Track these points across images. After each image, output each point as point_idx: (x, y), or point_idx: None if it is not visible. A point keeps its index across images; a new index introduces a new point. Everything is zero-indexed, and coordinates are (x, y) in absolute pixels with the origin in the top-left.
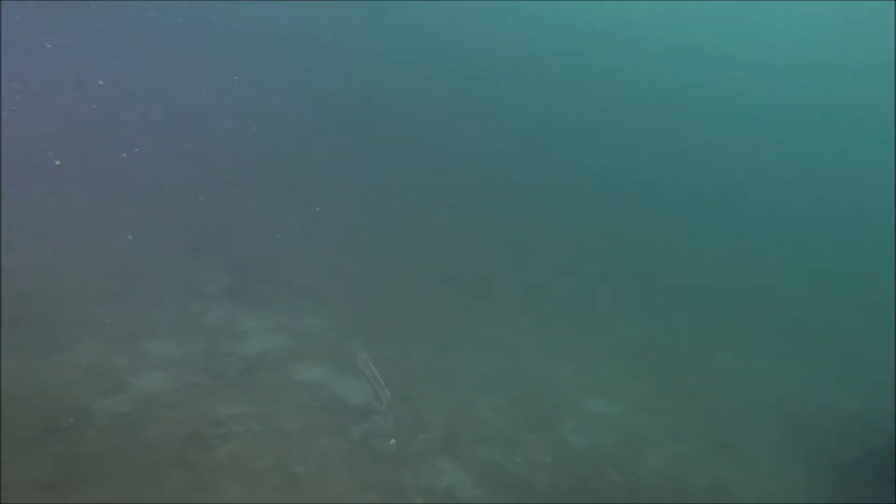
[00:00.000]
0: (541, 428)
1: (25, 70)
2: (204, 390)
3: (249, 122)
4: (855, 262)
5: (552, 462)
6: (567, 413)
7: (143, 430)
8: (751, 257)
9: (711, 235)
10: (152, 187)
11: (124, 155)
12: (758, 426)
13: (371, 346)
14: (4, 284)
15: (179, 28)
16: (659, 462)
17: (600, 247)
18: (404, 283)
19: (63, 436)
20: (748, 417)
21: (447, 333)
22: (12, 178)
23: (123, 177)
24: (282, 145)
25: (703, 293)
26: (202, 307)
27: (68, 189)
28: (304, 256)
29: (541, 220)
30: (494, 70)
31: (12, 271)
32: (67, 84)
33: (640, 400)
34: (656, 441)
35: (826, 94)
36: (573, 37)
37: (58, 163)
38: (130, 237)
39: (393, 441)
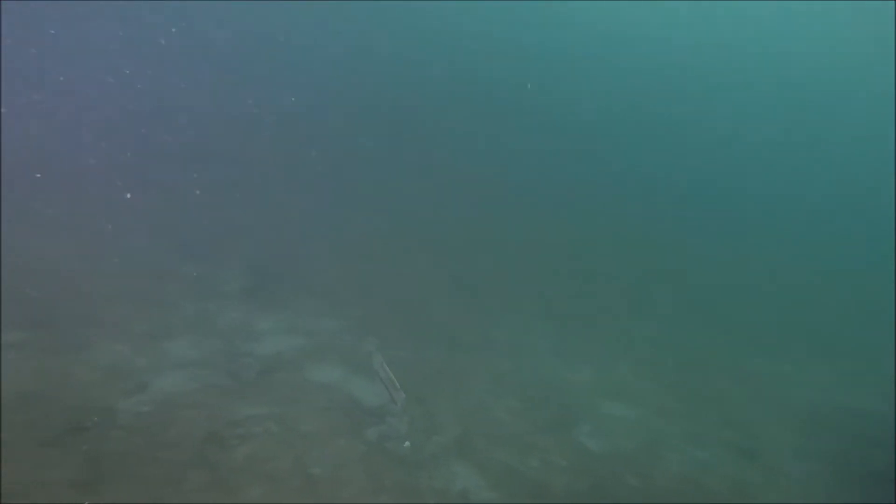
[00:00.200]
0: (556, 431)
1: (43, 68)
2: (222, 390)
3: (267, 125)
4: (881, 261)
5: (568, 466)
6: (583, 416)
7: (163, 429)
8: (770, 257)
9: (729, 236)
10: (168, 188)
11: (141, 156)
12: (781, 430)
13: (385, 348)
14: (28, 286)
15: (196, 29)
16: (679, 467)
17: (617, 248)
18: (419, 285)
19: (88, 435)
20: (770, 421)
21: (462, 335)
22: (32, 180)
23: (140, 178)
24: (298, 147)
25: (723, 294)
26: (219, 307)
27: (88, 190)
28: (319, 257)
29: (556, 221)
30: (509, 71)
31: (35, 273)
32: (84, 83)
33: (659, 403)
34: (675, 445)
35: (841, 91)
36: (589, 37)
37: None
38: (148, 239)
39: (407, 443)
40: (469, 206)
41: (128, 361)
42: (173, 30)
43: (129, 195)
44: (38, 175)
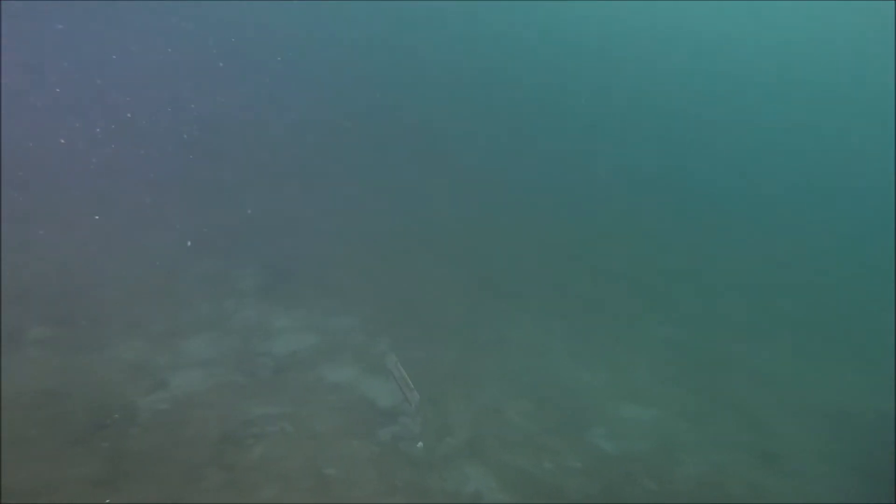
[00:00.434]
0: (571, 433)
1: (53, 65)
2: (238, 389)
3: (284, 122)
4: None
5: (582, 468)
6: (598, 418)
7: (181, 428)
8: (792, 257)
9: (749, 235)
10: (184, 187)
11: (157, 154)
12: (804, 433)
13: (399, 347)
14: (50, 284)
15: (212, 29)
16: (696, 470)
17: (632, 247)
18: (433, 284)
19: (109, 433)
20: (793, 424)
21: (475, 335)
22: (51, 178)
23: (157, 177)
24: (314, 145)
25: (744, 294)
26: (235, 305)
27: (105, 189)
28: (333, 256)
29: (571, 220)
30: (524, 69)
31: (54, 271)
32: (99, 80)
33: (676, 405)
34: (693, 448)
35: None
36: (602, 35)
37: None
38: (189, 243)
39: (420, 444)
40: (485, 204)
41: (146, 359)
42: (189, 27)
43: (145, 195)
44: (58, 173)
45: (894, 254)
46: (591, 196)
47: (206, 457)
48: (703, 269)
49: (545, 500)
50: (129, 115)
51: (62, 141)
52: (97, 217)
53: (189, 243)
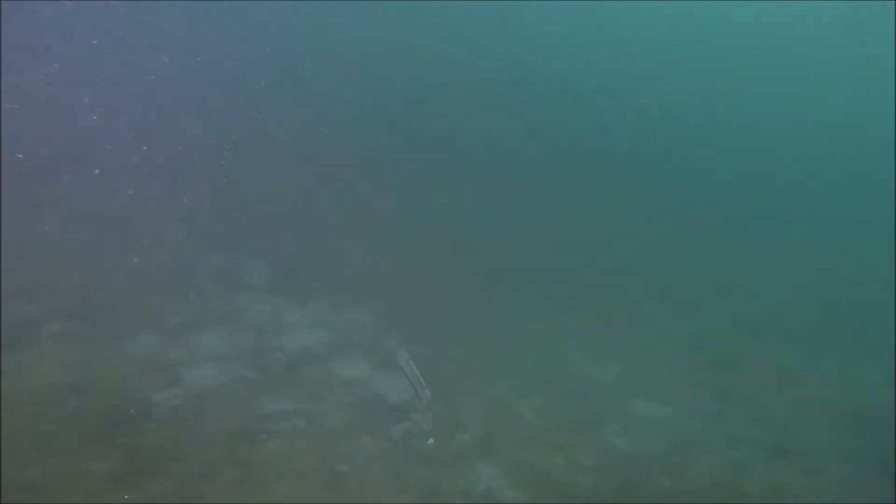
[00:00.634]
0: (583, 430)
1: (72, 61)
2: (250, 385)
3: (296, 118)
4: None
5: (595, 465)
6: (611, 415)
7: (195, 424)
8: (808, 252)
9: (764, 231)
10: (196, 182)
11: (171, 150)
12: (822, 430)
13: (410, 343)
14: (65, 278)
15: (222, 24)
16: (712, 468)
17: (646, 242)
18: (445, 280)
19: (125, 428)
20: (811, 421)
21: (487, 331)
22: (65, 176)
23: (168, 171)
24: (326, 141)
25: (758, 290)
26: (248, 300)
27: (116, 185)
28: (346, 251)
29: (583, 215)
30: (538, 65)
31: (69, 265)
32: (113, 77)
33: (691, 402)
34: (708, 445)
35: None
36: (617, 32)
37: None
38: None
39: (431, 440)
40: (497, 200)
41: (161, 354)
42: (202, 26)
43: (157, 190)
44: (70, 168)
45: None
46: (603, 192)
47: (221, 453)
48: (717, 265)
49: (558, 498)
50: (142, 111)
51: (70, 135)
52: (107, 210)
53: (184, 233)
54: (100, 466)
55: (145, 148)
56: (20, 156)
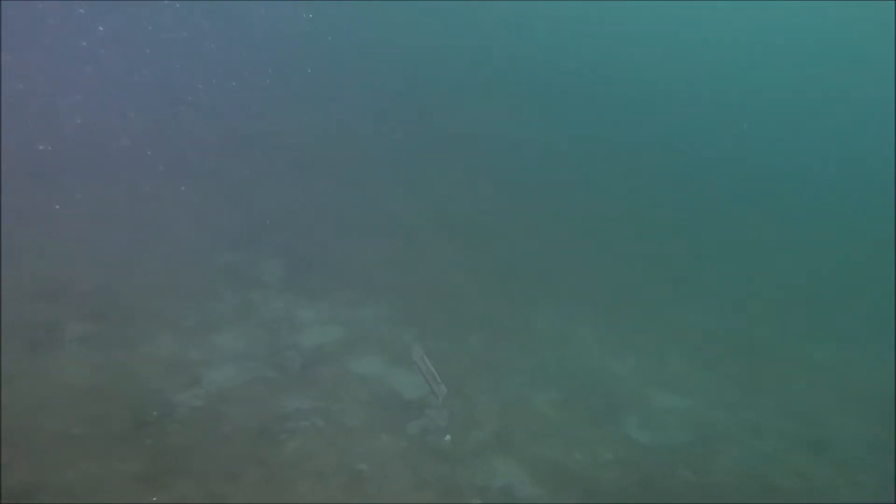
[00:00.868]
0: (603, 423)
1: (78, 59)
2: (268, 384)
3: (307, 114)
4: None
5: (615, 459)
6: (631, 408)
7: (217, 424)
8: (831, 239)
9: (784, 218)
10: (208, 180)
11: (182, 147)
12: (851, 420)
13: (425, 338)
14: (84, 280)
15: (231, 21)
16: (738, 461)
17: (660, 234)
18: (459, 274)
19: (150, 429)
20: (841, 413)
21: (502, 325)
22: (81, 176)
23: (180, 170)
24: (338, 136)
25: (779, 279)
26: (262, 297)
27: (128, 182)
28: (358, 247)
29: (599, 206)
30: (550, 60)
31: (84, 266)
32: (122, 73)
33: (714, 393)
34: (734, 437)
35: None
36: (630, 28)
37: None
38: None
39: (448, 437)
40: (511, 193)
41: (180, 354)
42: (213, 24)
43: (182, 188)
44: (86, 170)
45: None
46: (617, 184)
47: (244, 453)
48: (733, 255)
49: (579, 494)
50: (152, 109)
51: (86, 135)
52: (118, 208)
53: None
54: (129, 467)
55: (157, 146)
56: (40, 148)
